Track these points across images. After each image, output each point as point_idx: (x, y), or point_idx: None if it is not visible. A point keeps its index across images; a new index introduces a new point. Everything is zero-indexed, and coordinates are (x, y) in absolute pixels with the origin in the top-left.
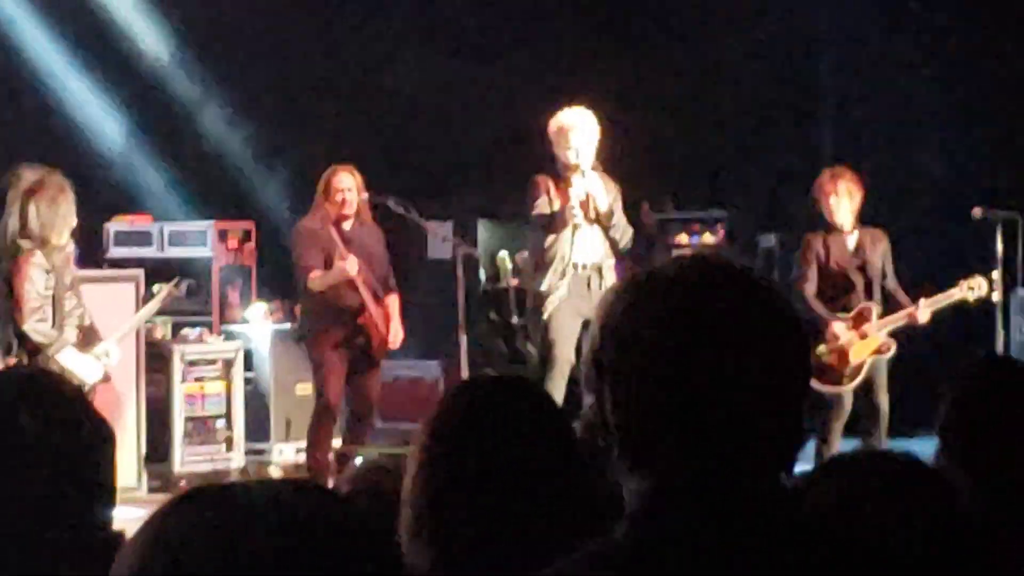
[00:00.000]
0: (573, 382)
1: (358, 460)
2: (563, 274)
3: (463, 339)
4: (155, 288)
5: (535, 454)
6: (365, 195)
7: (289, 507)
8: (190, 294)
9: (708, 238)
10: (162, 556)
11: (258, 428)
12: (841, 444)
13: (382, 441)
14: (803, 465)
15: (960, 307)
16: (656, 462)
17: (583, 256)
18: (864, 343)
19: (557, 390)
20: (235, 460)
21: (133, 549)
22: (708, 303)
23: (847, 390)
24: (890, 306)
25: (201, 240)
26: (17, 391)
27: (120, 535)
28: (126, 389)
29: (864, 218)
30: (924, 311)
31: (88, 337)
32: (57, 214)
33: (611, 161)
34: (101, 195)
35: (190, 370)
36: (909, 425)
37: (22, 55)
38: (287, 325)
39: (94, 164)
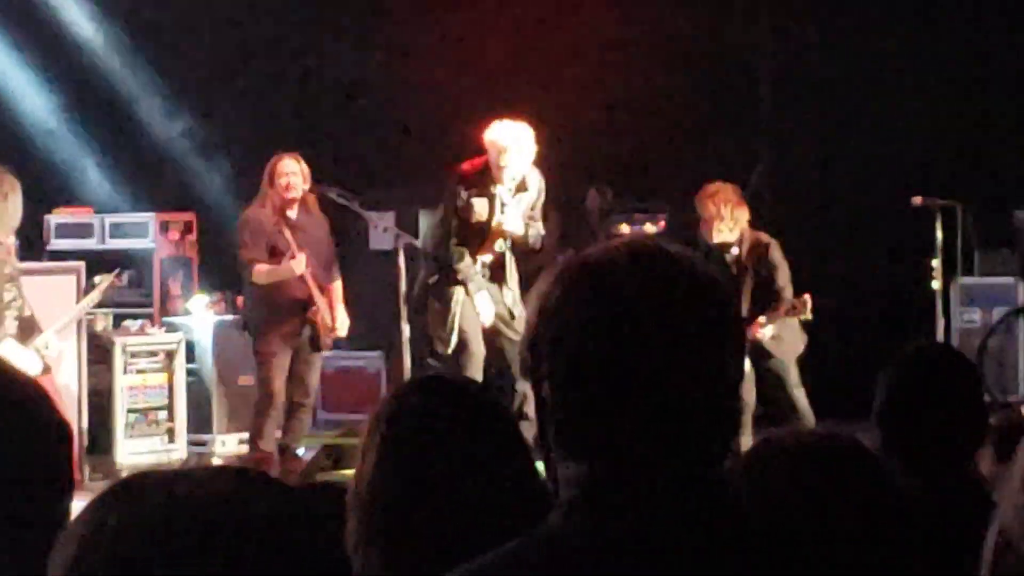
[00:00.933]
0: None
1: (300, 451)
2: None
3: (405, 330)
4: (96, 279)
5: (488, 459)
6: (307, 186)
7: (231, 495)
8: (131, 285)
9: (649, 228)
10: (101, 547)
11: (200, 420)
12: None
13: (324, 432)
14: None
15: (899, 295)
16: (592, 447)
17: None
18: None
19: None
20: (177, 451)
21: (71, 539)
22: (643, 287)
23: None
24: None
25: (143, 232)
26: None
27: None
28: (68, 381)
29: (805, 209)
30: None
31: (28, 329)
32: (5, 212)
33: (553, 153)
34: (41, 187)
35: (132, 362)
36: (848, 414)
37: None
38: (229, 317)
39: (34, 157)
